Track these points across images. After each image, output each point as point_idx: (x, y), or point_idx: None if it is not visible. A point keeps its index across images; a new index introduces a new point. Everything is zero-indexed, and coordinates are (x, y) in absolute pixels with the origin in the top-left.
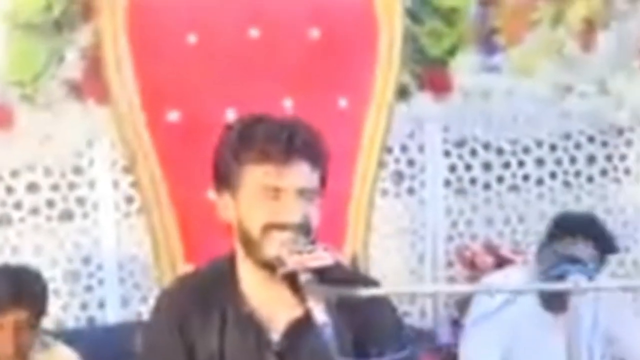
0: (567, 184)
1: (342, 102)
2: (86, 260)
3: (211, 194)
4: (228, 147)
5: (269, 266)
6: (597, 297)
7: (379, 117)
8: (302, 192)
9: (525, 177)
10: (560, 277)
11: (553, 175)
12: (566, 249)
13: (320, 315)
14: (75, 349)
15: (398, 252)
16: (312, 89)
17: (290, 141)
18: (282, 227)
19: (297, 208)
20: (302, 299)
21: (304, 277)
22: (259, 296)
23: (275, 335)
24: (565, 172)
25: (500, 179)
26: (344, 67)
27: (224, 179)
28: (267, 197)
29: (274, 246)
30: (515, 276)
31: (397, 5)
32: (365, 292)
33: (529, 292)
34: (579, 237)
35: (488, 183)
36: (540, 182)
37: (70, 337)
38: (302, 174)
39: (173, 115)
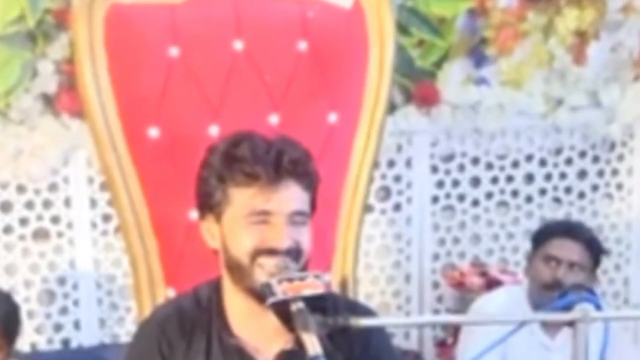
0: (557, 200)
1: (332, 117)
2: (61, 281)
3: (193, 214)
4: (211, 169)
5: (258, 294)
6: (606, 327)
7: (370, 134)
8: (292, 216)
9: (514, 193)
10: (567, 308)
11: (543, 192)
12: (556, 249)
13: (312, 346)
14: None
15: (382, 271)
16: (300, 104)
17: (278, 161)
18: (271, 252)
19: (286, 233)
20: (293, 330)
21: (294, 307)
22: (247, 326)
23: None
24: (555, 188)
25: (488, 195)
26: (333, 81)
27: (207, 203)
28: (254, 222)
29: (263, 274)
30: (505, 297)
31: (389, 18)
32: (358, 322)
33: (533, 322)
34: (566, 237)
35: (476, 199)
36: (529, 198)
37: None
38: (291, 196)
39: (153, 132)
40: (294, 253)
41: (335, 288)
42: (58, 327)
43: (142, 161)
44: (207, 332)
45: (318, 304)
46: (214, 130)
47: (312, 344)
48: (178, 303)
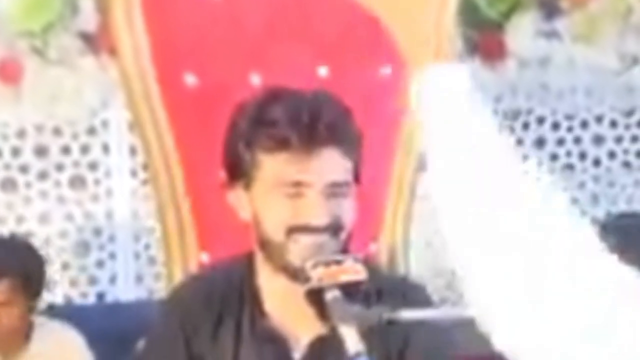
0: (627, 165)
1: (386, 71)
2: (97, 231)
3: None
4: (239, 131)
5: (293, 273)
6: None
7: None
8: (331, 187)
9: (582, 156)
10: None
11: (612, 155)
12: None
13: (352, 342)
14: (82, 327)
15: (436, 233)
16: (352, 55)
17: (312, 124)
18: (307, 230)
19: (324, 207)
20: (329, 320)
21: (330, 295)
22: (280, 307)
23: (297, 354)
24: (626, 152)
25: (553, 157)
26: (389, 31)
27: (235, 170)
28: (287, 194)
29: (299, 253)
30: None
31: None
32: (405, 315)
33: None
34: None
35: (539, 161)
36: (597, 162)
37: (77, 314)
38: (329, 164)
39: (190, 79)
40: (333, 229)
41: (383, 258)
42: (93, 281)
43: (176, 110)
44: (237, 313)
45: (358, 290)
46: (255, 80)
47: (352, 338)
48: (207, 278)
